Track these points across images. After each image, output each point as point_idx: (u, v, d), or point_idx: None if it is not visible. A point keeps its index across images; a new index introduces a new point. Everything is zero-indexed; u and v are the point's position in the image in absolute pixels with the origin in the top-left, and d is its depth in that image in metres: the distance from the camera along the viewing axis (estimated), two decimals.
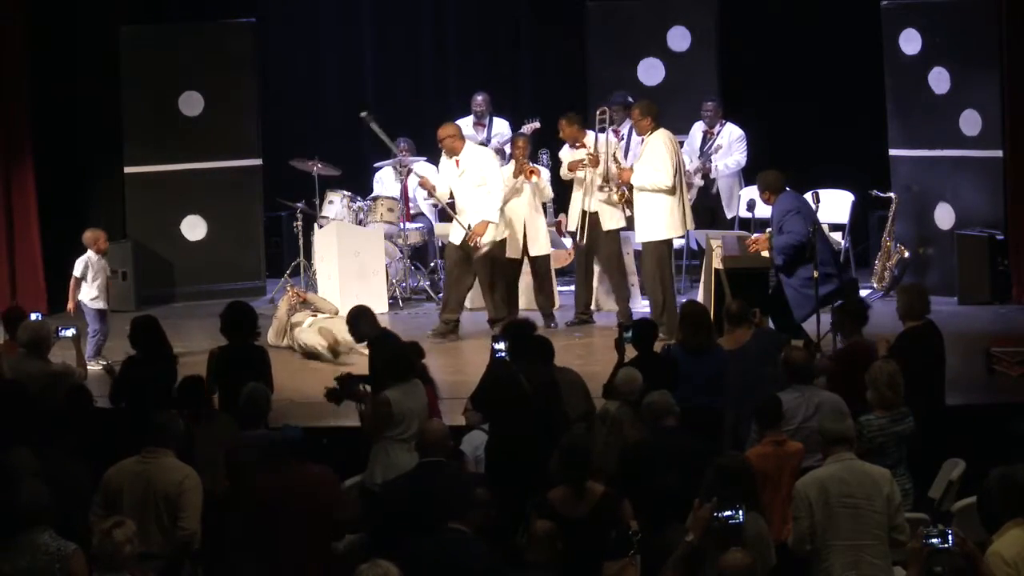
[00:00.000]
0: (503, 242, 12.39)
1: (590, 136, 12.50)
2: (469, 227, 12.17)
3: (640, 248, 12.46)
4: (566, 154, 12.68)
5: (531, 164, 12.72)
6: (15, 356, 9.41)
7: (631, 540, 6.73)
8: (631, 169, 12.20)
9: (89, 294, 11.67)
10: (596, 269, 12.81)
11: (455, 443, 8.37)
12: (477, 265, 12.31)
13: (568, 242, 13.23)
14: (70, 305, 11.71)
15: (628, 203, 12.25)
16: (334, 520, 7.39)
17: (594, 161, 12.28)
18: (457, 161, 12.34)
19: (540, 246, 12.67)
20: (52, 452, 7.65)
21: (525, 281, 12.86)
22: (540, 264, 12.74)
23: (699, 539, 6.65)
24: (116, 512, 7.21)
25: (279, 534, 7.24)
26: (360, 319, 9.85)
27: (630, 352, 9.26)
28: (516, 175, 12.53)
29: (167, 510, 7.32)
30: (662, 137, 12.06)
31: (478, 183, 12.25)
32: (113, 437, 8.40)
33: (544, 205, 13.03)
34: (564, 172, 12.61)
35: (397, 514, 7.35)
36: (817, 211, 11.31)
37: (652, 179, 12.02)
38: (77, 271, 11.67)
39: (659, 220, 12.06)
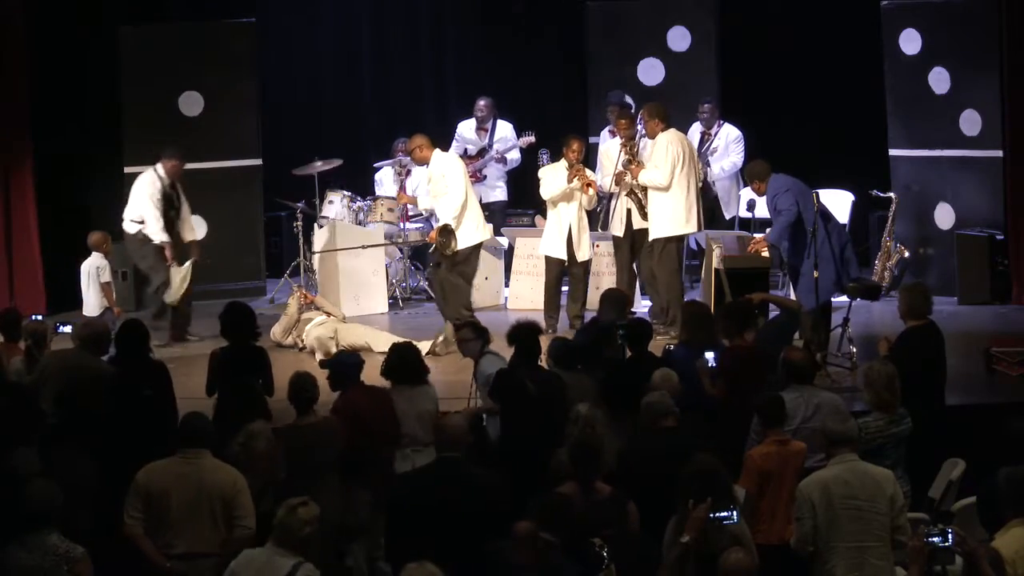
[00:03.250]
0: (477, 246, 12.26)
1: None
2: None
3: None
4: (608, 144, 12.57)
5: (588, 174, 12.42)
6: (19, 356, 9.43)
7: (600, 555, 6.73)
8: (641, 165, 12.17)
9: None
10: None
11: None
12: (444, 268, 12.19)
13: None
14: (117, 309, 11.90)
15: (639, 202, 12.24)
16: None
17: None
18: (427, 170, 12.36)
19: (584, 252, 12.59)
20: (60, 451, 7.65)
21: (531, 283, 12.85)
22: (581, 269, 12.63)
23: (695, 540, 6.67)
24: (162, 513, 7.22)
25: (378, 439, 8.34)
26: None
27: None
28: (571, 180, 12.36)
29: (222, 510, 7.26)
30: (666, 137, 12.05)
31: (443, 191, 12.17)
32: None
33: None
34: (607, 184, 12.43)
35: (413, 512, 7.24)
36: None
37: (649, 177, 12.03)
38: (106, 275, 11.90)
39: (663, 217, 12.05)
